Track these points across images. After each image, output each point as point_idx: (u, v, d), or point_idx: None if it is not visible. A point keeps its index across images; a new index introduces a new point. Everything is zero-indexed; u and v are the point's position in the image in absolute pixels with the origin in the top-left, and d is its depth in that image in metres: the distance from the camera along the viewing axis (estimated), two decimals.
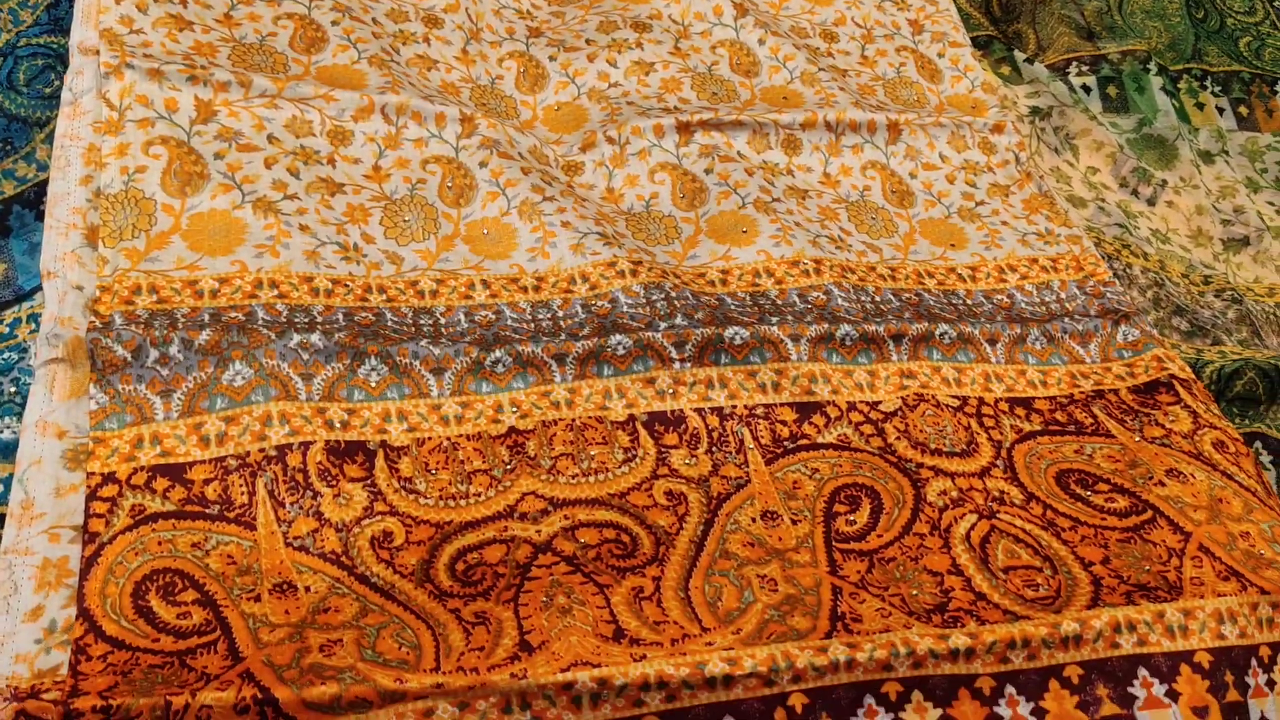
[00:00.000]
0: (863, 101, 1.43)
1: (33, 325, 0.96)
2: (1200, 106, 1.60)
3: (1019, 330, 1.19)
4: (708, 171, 1.29)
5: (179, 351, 0.93)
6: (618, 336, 1.06)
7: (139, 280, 0.98)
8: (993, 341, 1.17)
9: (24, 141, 1.08)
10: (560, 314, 1.10)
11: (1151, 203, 1.47)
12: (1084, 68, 1.59)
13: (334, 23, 1.27)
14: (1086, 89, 1.57)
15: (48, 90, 1.12)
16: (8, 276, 0.99)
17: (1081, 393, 1.15)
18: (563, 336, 1.06)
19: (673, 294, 1.12)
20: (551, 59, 1.39)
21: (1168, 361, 1.19)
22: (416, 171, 1.18)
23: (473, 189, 1.19)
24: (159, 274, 0.99)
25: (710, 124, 1.33)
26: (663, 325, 1.08)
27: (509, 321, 1.08)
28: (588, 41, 1.42)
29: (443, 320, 1.07)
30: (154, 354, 0.93)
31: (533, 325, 1.08)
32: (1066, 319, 1.22)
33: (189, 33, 1.17)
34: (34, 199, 1.05)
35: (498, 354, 1.03)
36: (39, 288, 0.97)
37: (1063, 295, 1.26)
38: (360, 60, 1.24)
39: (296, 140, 1.15)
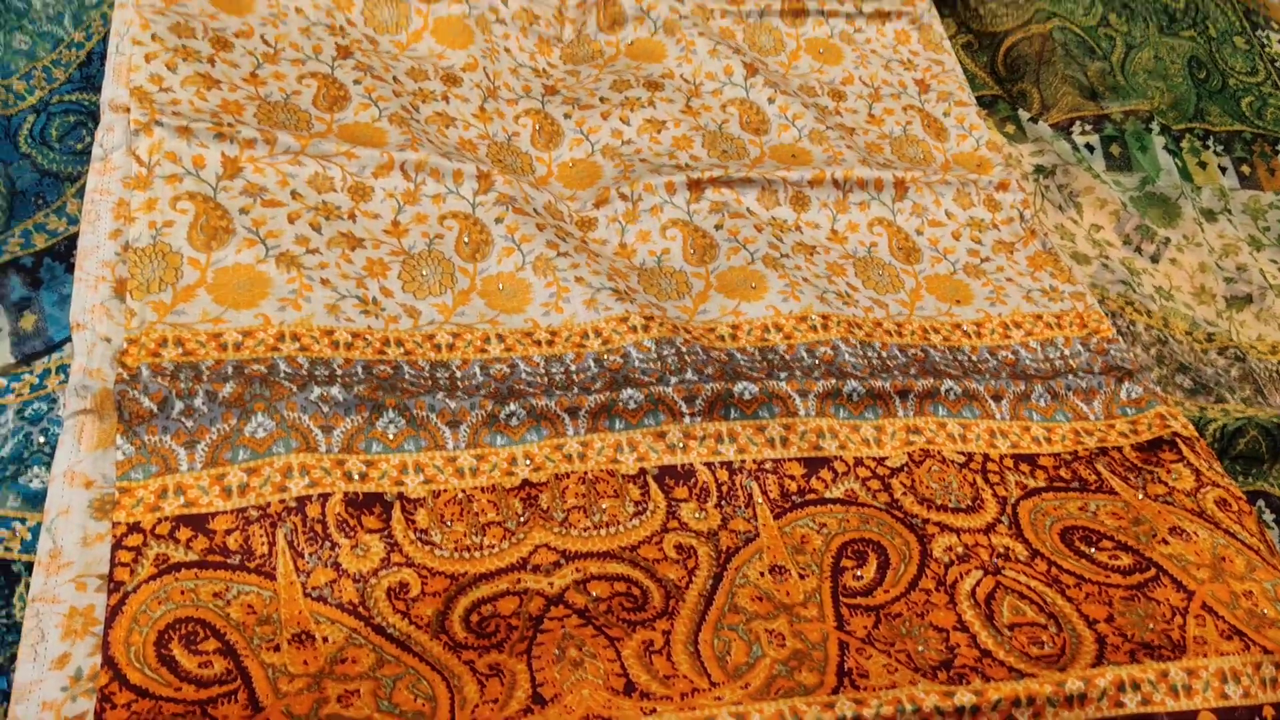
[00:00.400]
0: (870, 159, 1.46)
1: (62, 376, 0.99)
2: (1203, 165, 1.63)
3: (1023, 387, 1.21)
4: (718, 228, 1.32)
5: (203, 404, 0.96)
6: (629, 390, 1.08)
7: (166, 333, 1.01)
8: (997, 398, 1.19)
9: (55, 196, 1.12)
10: (573, 368, 1.12)
11: (1155, 260, 1.49)
12: (1087, 127, 1.62)
13: (356, 81, 1.31)
14: (1090, 148, 1.60)
15: (79, 146, 1.15)
16: (38, 327, 1.02)
17: (1085, 449, 1.17)
18: (575, 390, 1.09)
19: (684, 349, 1.14)
20: (566, 116, 1.43)
21: (1171, 419, 1.21)
22: (434, 227, 1.21)
23: (489, 244, 1.22)
24: (185, 327, 1.02)
25: (720, 181, 1.36)
26: (673, 380, 1.10)
27: (523, 375, 1.11)
28: (601, 99, 1.45)
29: (459, 374, 1.09)
30: (179, 406, 0.95)
31: (546, 379, 1.11)
32: (1071, 376, 1.24)
33: (216, 91, 1.21)
34: (64, 252, 1.08)
35: (512, 407, 1.05)
36: (68, 339, 1.00)
37: (1067, 352, 1.28)
38: (381, 118, 1.28)
39: (319, 196, 1.18)
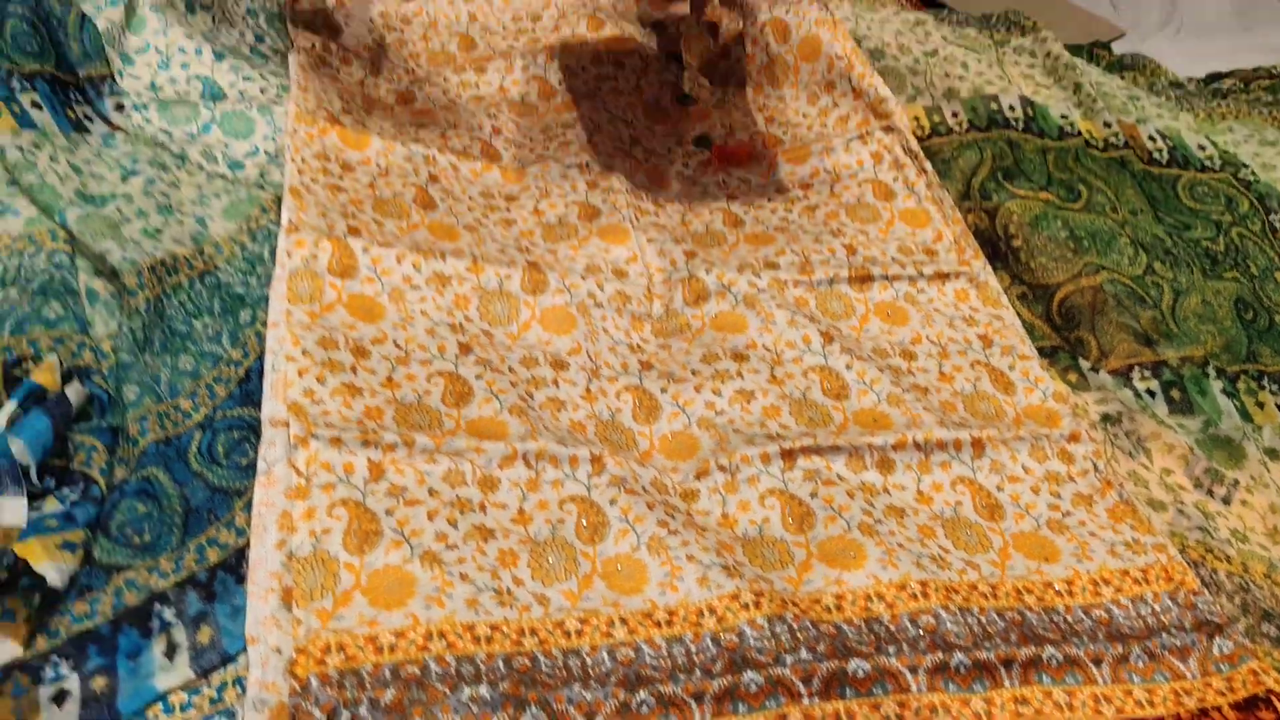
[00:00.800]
0: (946, 419, 1.56)
1: (238, 689, 1.08)
2: (1260, 405, 1.72)
3: (1121, 649, 1.26)
4: (813, 495, 1.41)
5: (367, 711, 1.04)
6: (750, 673, 1.16)
7: (329, 640, 1.10)
8: (1098, 661, 1.25)
9: (225, 511, 1.24)
10: (693, 648, 1.20)
11: (1227, 502, 1.56)
12: (1146, 373, 1.72)
13: (478, 376, 1.45)
14: (1151, 393, 1.70)
15: (244, 461, 1.28)
16: (214, 641, 1.12)
17: (1187, 711, 1.22)
18: (698, 673, 1.16)
19: (794, 625, 1.22)
20: (663, 391, 1.55)
21: (1263, 675, 1.25)
22: (555, 512, 1.32)
23: (605, 526, 1.32)
24: (345, 632, 1.12)
25: (811, 450, 1.46)
26: (789, 659, 1.18)
27: (647, 659, 1.18)
28: (693, 372, 1.58)
29: (589, 660, 1.17)
30: (346, 715, 1.04)
31: (669, 661, 1.18)
32: (1164, 634, 1.29)
33: (360, 399, 1.35)
34: (235, 564, 1.19)
35: (642, 695, 1.13)
36: (243, 649, 1.10)
37: (1157, 608, 1.34)
38: (502, 411, 1.41)
39: (453, 491, 1.29)
